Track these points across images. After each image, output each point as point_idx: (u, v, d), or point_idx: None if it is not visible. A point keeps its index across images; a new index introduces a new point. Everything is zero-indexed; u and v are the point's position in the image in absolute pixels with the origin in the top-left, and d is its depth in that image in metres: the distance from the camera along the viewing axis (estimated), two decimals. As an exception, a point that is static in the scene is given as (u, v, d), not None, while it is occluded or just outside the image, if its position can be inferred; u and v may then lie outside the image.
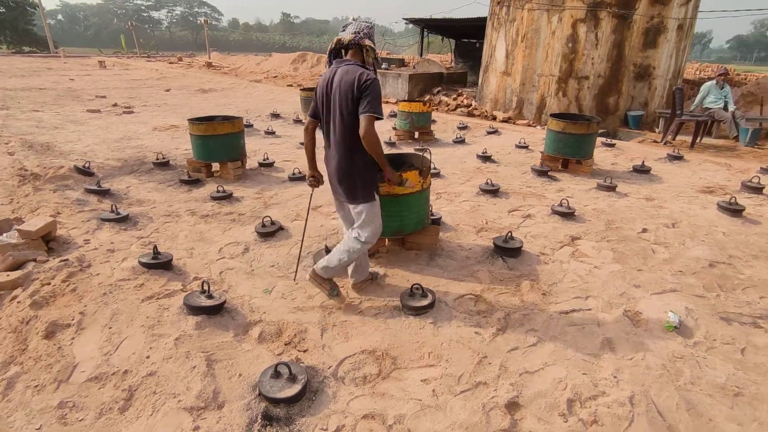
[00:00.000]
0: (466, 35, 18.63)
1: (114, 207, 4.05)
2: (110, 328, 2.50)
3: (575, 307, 2.83)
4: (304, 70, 22.19)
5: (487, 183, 5.05)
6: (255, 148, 6.86)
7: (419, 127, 7.77)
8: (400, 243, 3.58)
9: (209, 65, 24.39)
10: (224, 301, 2.70)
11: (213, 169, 5.52)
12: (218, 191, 4.66)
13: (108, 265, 3.19)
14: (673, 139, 8.15)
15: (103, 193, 4.63)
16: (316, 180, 2.81)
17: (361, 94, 2.34)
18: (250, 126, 8.41)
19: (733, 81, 10.66)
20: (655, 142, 8.31)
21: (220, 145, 5.18)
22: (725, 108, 7.72)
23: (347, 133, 2.47)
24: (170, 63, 26.74)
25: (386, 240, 3.54)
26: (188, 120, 5.25)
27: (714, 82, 7.85)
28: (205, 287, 2.70)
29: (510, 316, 2.71)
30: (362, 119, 2.34)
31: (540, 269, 3.33)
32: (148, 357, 2.29)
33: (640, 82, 9.51)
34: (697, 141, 7.84)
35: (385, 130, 8.79)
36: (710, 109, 7.82)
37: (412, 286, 2.81)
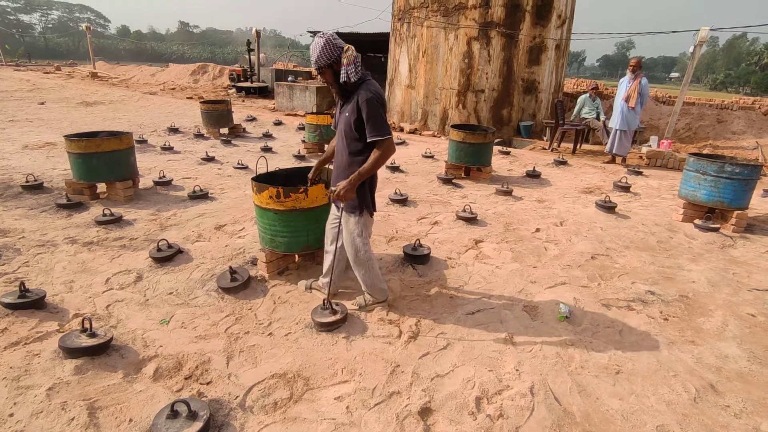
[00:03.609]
0: (372, 49, 19.12)
1: (-32, 240, 3.44)
2: (-40, 386, 2.09)
3: (480, 307, 2.99)
4: (205, 81, 21.09)
5: (396, 192, 5.17)
6: (150, 165, 6.31)
7: (328, 140, 7.74)
8: (310, 258, 3.50)
9: (94, 75, 22.06)
10: (111, 338, 2.40)
11: (98, 191, 4.96)
12: (105, 215, 4.19)
13: (-41, 310, 2.68)
14: (558, 146, 9.08)
15: (-46, 225, 3.91)
16: None
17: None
18: (143, 141, 7.72)
19: (603, 94, 12.21)
20: (544, 149, 9.19)
21: (105, 163, 4.67)
22: (597, 118, 8.80)
23: None
24: (45, 73, 23.70)
25: (296, 256, 3.44)
26: (65, 137, 4.67)
27: (588, 95, 8.92)
28: (87, 324, 2.38)
29: (421, 323, 2.76)
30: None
31: (447, 273, 3.46)
32: (11, 415, 1.94)
33: (528, 95, 10.48)
34: (578, 147, 8.83)
35: (294, 143, 8.64)
36: (586, 119, 8.87)
37: (324, 300, 2.75)
